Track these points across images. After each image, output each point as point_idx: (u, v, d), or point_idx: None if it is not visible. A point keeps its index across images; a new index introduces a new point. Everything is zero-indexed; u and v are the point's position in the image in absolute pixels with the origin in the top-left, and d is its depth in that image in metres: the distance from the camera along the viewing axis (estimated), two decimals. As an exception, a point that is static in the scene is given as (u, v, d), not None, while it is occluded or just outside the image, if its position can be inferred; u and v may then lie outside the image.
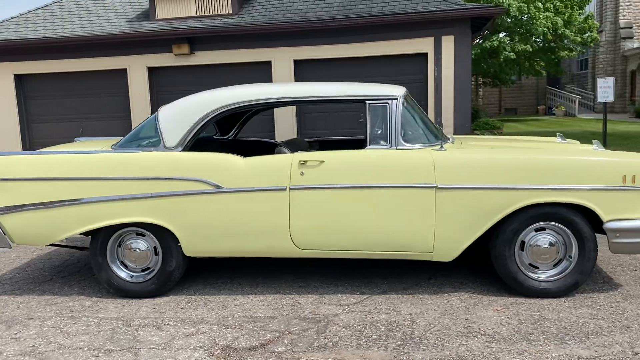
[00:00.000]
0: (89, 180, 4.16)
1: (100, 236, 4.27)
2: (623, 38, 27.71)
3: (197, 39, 11.86)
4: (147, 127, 4.48)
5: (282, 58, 11.76)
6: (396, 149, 4.06)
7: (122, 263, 4.35)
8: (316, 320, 3.76)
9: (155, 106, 12.42)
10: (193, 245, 4.19)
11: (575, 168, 3.89)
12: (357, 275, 4.64)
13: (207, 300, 4.22)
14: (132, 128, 12.26)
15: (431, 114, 11.49)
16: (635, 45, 27.28)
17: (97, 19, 12.89)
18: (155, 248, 4.30)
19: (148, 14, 12.58)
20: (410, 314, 3.81)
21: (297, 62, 11.79)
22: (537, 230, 4.02)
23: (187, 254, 4.24)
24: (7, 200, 4.23)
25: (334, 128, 11.97)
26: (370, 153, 4.06)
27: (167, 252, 4.24)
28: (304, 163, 4.04)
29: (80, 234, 4.29)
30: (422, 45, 11.28)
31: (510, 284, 4.07)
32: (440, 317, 3.76)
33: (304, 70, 11.86)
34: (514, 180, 3.87)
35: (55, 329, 3.76)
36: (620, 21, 27.83)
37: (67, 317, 3.97)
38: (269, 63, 11.87)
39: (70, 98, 12.61)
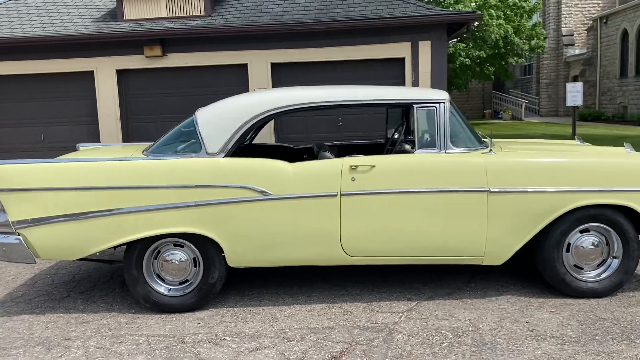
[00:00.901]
0: (125, 189, 3.90)
1: (137, 248, 4.01)
2: (565, 45, 29.05)
3: (169, 41, 11.48)
4: (183, 131, 4.26)
5: (259, 61, 11.57)
6: (446, 152, 4.04)
7: (158, 276, 4.11)
8: (378, 329, 3.67)
9: (124, 110, 11.96)
10: (238, 255, 4.01)
11: (622, 170, 3.99)
12: (395, 281, 4.58)
13: (251, 312, 4.04)
14: (100, 133, 11.84)
15: (408, 118, 11.61)
16: (577, 52, 28.67)
17: (58, 18, 12.27)
18: (194, 259, 4.08)
19: (115, 14, 12.07)
20: (469, 319, 3.79)
21: (274, 65, 11.63)
22: (581, 231, 4.09)
23: (231, 264, 4.05)
24: (33, 212, 3.90)
25: (310, 132, 11.88)
26: (421, 157, 4.02)
27: (210, 263, 4.03)
28: (354, 168, 3.95)
29: (113, 247, 4.01)
30: (400, 49, 11.38)
31: (557, 286, 4.12)
32: (500, 320, 3.76)
33: (281, 74, 11.72)
34: (565, 183, 3.93)
35: (103, 349, 3.49)
36: (562, 29, 29.17)
37: (108, 336, 3.70)
38: (245, 66, 11.66)
39: (32, 102, 11.94)
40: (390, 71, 11.57)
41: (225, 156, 4.02)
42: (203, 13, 11.93)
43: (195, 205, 3.91)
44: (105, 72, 11.72)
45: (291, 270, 4.83)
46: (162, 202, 3.90)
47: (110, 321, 3.96)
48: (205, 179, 3.92)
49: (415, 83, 11.40)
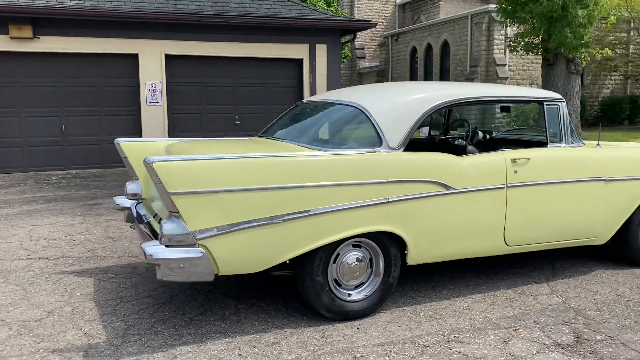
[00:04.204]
0: (319, 187, 3.45)
1: (324, 252, 3.57)
2: (358, 57, 32.04)
3: (42, 21, 9.75)
4: (347, 122, 3.93)
5: (151, 52, 10.55)
6: (570, 147, 4.50)
7: (336, 281, 3.72)
8: (563, 310, 3.91)
9: (-23, 101, 9.69)
10: (420, 251, 3.86)
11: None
12: (487, 268, 4.84)
13: (430, 309, 3.92)
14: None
15: (305, 118, 11.79)
16: (368, 64, 31.91)
17: None
18: (370, 260, 3.81)
19: (-42, -19, 9.69)
20: (609, 292, 4.30)
21: (169, 57, 10.73)
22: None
23: (411, 262, 3.88)
24: (220, 218, 3.20)
25: (205, 130, 11.25)
26: (562, 151, 4.40)
27: (391, 263, 3.79)
28: (515, 161, 4.15)
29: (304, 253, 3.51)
30: (298, 50, 11.51)
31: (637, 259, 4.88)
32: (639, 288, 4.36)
33: (174, 67, 10.86)
34: (652, 170, 4.71)
35: (360, 366, 3.08)
36: (355, 43, 32.07)
37: (336, 351, 3.26)
38: (135, 56, 10.52)
39: None
40: (289, 71, 11.61)
41: (403, 150, 3.85)
42: (78, -8, 10.34)
43: (388, 202, 3.66)
44: (-50, 52, 9.36)
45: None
46: (357, 200, 3.56)
47: (302, 338, 3.46)
48: (395, 174, 3.69)
49: (313, 84, 11.64)
